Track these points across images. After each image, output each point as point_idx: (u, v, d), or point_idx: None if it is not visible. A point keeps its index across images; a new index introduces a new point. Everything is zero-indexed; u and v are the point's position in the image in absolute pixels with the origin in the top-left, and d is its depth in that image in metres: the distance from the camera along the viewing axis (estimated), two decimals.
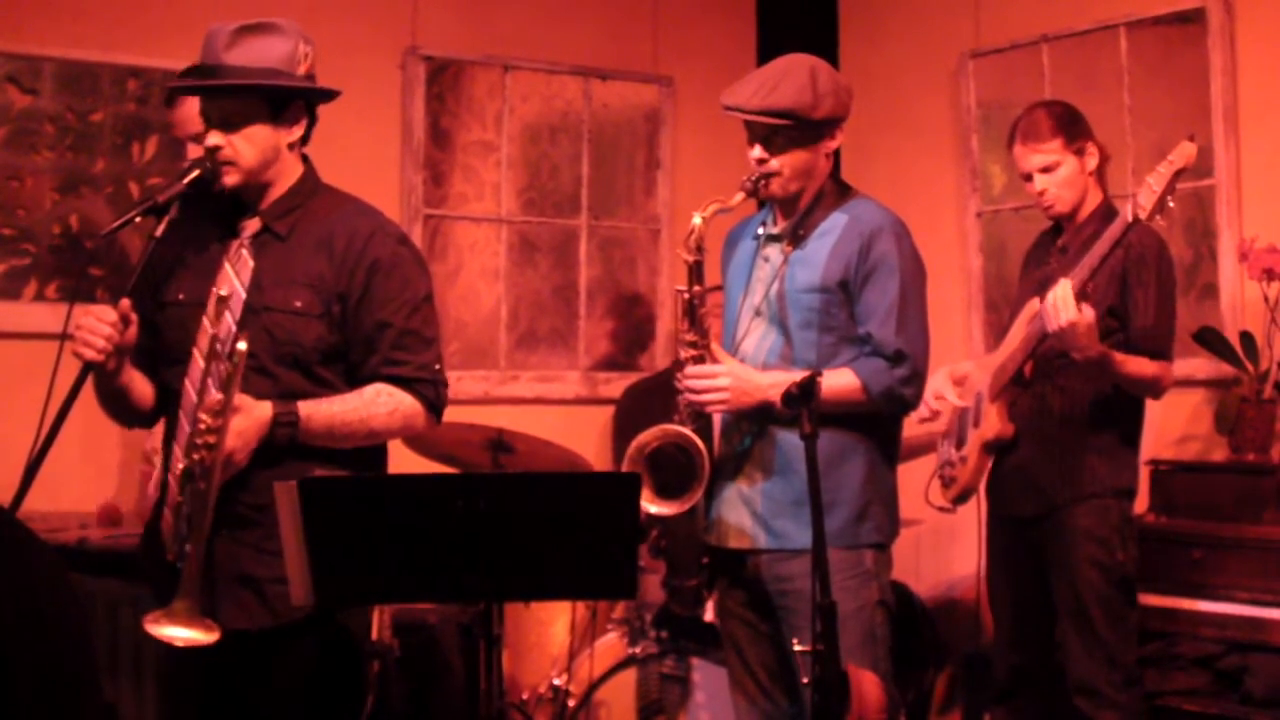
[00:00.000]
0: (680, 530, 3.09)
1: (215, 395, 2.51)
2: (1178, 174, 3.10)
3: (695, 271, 3.02)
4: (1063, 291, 3.18)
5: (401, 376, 2.69)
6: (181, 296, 2.71)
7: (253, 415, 2.55)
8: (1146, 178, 3.14)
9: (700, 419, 3.03)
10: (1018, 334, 3.47)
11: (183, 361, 2.67)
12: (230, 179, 2.66)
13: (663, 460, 3.00)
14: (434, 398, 2.73)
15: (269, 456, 2.60)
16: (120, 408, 2.77)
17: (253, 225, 2.71)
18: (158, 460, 3.69)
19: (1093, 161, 3.48)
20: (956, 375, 3.61)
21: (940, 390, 3.50)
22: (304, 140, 2.75)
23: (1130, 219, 3.16)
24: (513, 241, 5.14)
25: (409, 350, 2.70)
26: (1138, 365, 3.36)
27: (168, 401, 2.74)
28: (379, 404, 2.66)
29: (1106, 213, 3.41)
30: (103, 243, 4.31)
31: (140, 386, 2.74)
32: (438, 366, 2.75)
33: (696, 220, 3.00)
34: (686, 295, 3.02)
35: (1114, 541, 3.40)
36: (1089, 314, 3.20)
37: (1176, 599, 3.78)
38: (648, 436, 3.00)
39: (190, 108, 3.40)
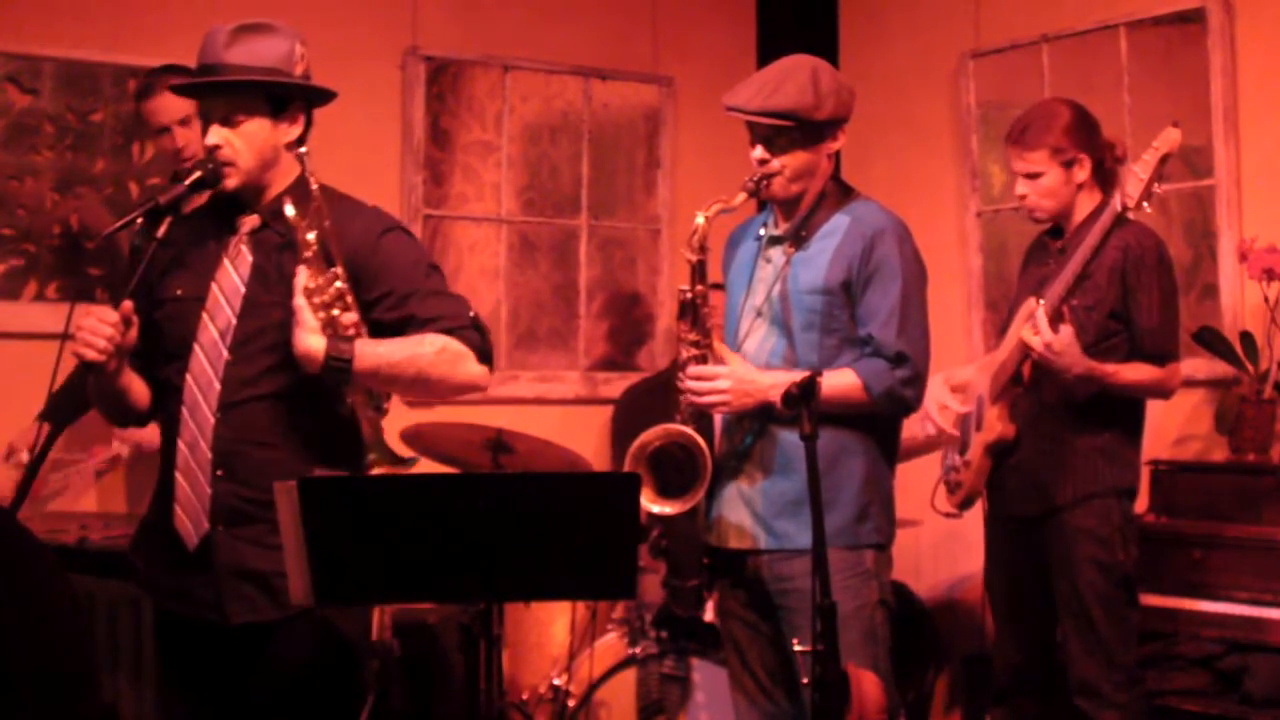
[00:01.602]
0: (681, 530, 3.09)
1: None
2: (1164, 160, 3.11)
3: (698, 271, 3.02)
4: (1038, 316, 3.21)
5: (442, 329, 2.68)
6: (180, 292, 2.71)
7: (305, 343, 2.54)
8: (1133, 166, 3.15)
9: (701, 419, 3.03)
10: (1016, 334, 3.47)
11: (182, 357, 2.67)
12: (230, 181, 2.66)
13: (665, 460, 3.00)
14: (480, 343, 2.71)
15: (270, 450, 2.62)
16: (116, 407, 2.78)
17: (251, 222, 2.71)
18: (22, 456, 3.69)
19: (1081, 174, 3.46)
20: (954, 383, 3.61)
21: (941, 400, 3.50)
22: (301, 142, 2.75)
23: (1119, 208, 3.16)
24: (513, 241, 5.15)
25: (440, 306, 2.70)
26: (1132, 373, 3.36)
27: (165, 399, 2.74)
28: (424, 344, 2.65)
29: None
30: (103, 243, 4.32)
31: (138, 387, 2.74)
32: (472, 314, 2.73)
33: (700, 220, 2.99)
34: (689, 295, 3.02)
35: (1115, 541, 3.40)
36: (1065, 334, 3.21)
37: (1176, 599, 3.78)
38: (650, 436, 3.00)
39: (164, 98, 3.51)
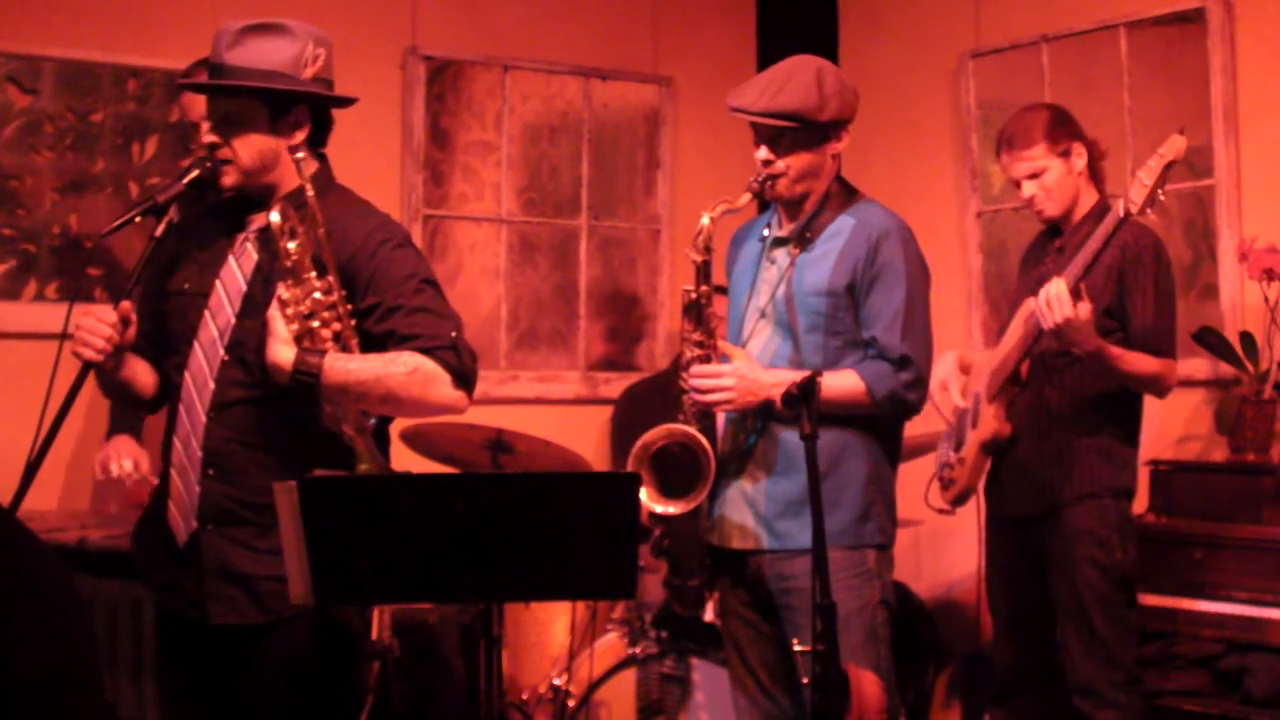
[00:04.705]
0: (684, 530, 3.09)
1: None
2: (1168, 167, 3.10)
3: (703, 271, 3.01)
4: (1056, 289, 3.19)
5: (419, 348, 2.63)
6: (187, 286, 2.71)
7: (275, 354, 2.53)
8: (1137, 172, 3.15)
9: (705, 418, 3.03)
10: (1014, 333, 3.47)
11: (182, 353, 2.67)
12: (228, 179, 2.65)
13: (668, 460, 3.00)
14: (457, 365, 2.65)
15: (260, 452, 2.62)
16: (123, 399, 2.80)
17: (259, 220, 2.70)
18: (119, 470, 3.67)
19: (1080, 162, 3.48)
20: (964, 362, 3.61)
21: (945, 378, 3.49)
22: (318, 140, 2.73)
23: (1121, 214, 3.16)
24: (513, 241, 5.14)
25: (421, 325, 2.65)
26: (1137, 360, 3.36)
27: (167, 393, 2.74)
28: (397, 363, 2.60)
29: (1102, 212, 3.40)
30: (103, 242, 4.32)
31: (143, 378, 2.75)
32: (454, 334, 2.68)
33: (705, 220, 2.99)
34: (694, 295, 3.01)
35: (1113, 541, 3.40)
36: (1085, 309, 3.20)
37: (1176, 599, 3.78)
38: (653, 435, 3.00)
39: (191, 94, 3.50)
